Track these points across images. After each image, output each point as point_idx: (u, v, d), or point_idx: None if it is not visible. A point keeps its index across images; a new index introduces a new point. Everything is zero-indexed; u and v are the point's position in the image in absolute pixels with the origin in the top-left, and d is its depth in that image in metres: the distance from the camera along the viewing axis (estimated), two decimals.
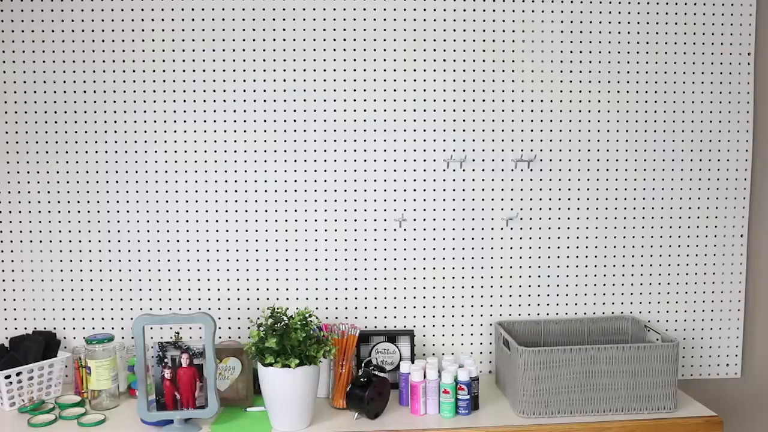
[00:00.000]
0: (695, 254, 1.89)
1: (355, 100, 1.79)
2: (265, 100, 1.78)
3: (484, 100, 1.82)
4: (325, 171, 1.81)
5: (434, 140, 1.82)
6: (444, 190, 1.83)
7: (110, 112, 1.77)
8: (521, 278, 1.87)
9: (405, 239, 1.83)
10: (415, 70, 1.80)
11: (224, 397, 1.66)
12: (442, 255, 1.84)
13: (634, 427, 1.56)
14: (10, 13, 1.72)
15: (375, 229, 1.83)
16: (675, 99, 1.85)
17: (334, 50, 1.78)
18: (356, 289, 1.84)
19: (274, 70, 1.77)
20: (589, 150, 1.85)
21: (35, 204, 1.78)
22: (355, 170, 1.81)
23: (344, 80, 1.79)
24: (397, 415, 1.62)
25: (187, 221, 1.80)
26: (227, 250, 1.80)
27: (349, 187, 1.81)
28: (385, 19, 1.78)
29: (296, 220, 1.81)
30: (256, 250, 1.81)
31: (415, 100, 1.80)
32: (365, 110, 1.80)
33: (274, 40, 1.77)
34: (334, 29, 1.77)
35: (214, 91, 1.77)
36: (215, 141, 1.78)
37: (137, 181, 1.78)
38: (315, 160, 1.80)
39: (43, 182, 1.77)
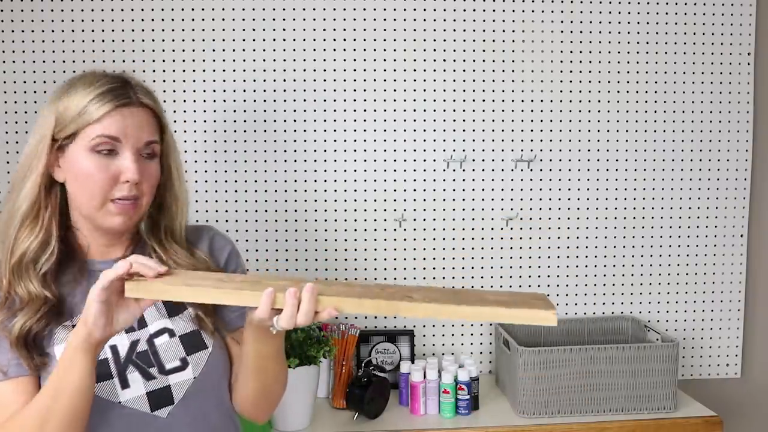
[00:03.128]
0: (695, 254, 1.89)
1: (355, 100, 1.79)
2: (265, 100, 1.78)
3: (484, 100, 1.82)
4: (325, 171, 1.81)
5: (434, 140, 1.82)
6: (444, 190, 1.83)
7: None
8: (521, 278, 1.87)
9: (405, 239, 1.83)
10: (415, 70, 1.80)
11: None
12: (442, 255, 1.84)
13: (634, 427, 1.56)
14: (10, 13, 1.72)
15: (375, 229, 1.83)
16: (675, 99, 1.85)
17: (334, 50, 1.78)
18: None
19: (274, 70, 1.77)
20: (589, 150, 1.85)
21: None
22: (355, 170, 1.81)
23: (344, 80, 1.79)
24: (397, 415, 1.62)
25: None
26: None
27: (349, 187, 1.81)
28: (385, 19, 1.78)
29: (296, 220, 1.81)
30: (256, 250, 1.81)
31: (415, 100, 1.80)
32: (365, 110, 1.80)
33: (274, 40, 1.77)
34: (334, 29, 1.77)
35: (214, 91, 1.77)
36: (215, 141, 1.78)
37: None
38: (315, 160, 1.80)
39: None
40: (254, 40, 1.76)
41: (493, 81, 1.81)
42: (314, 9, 1.77)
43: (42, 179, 0.95)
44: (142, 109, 0.98)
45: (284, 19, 1.76)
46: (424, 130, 1.81)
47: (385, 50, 1.79)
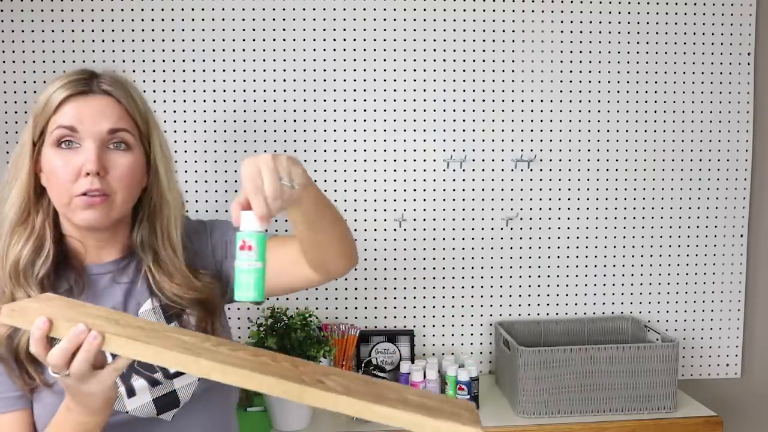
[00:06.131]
0: (695, 254, 1.89)
1: (355, 100, 1.79)
2: (265, 100, 1.78)
3: (484, 100, 1.82)
4: (326, 171, 1.81)
5: (434, 140, 1.82)
6: (444, 190, 1.83)
7: None
8: (521, 278, 1.87)
9: (405, 239, 1.83)
10: (415, 70, 1.80)
11: None
12: (442, 255, 1.84)
13: (634, 427, 1.56)
14: (10, 13, 1.72)
15: (375, 229, 1.83)
16: (675, 99, 1.85)
17: (334, 50, 1.78)
18: (356, 289, 1.84)
19: (274, 70, 1.77)
20: (589, 150, 1.85)
21: None
22: (355, 170, 1.81)
23: (344, 80, 1.79)
24: None
25: None
26: None
27: (349, 187, 1.81)
28: (385, 19, 1.78)
29: None
30: None
31: (415, 100, 1.80)
32: (365, 110, 1.80)
33: (274, 40, 1.77)
34: (334, 29, 1.77)
35: (214, 91, 1.77)
36: (215, 141, 1.78)
37: None
38: (315, 160, 1.80)
39: None
40: (254, 40, 1.76)
41: (493, 81, 1.81)
42: (314, 9, 1.77)
43: (27, 185, 0.92)
44: (102, 96, 0.92)
45: (284, 20, 1.76)
46: (424, 130, 1.81)
47: (385, 50, 1.79)
